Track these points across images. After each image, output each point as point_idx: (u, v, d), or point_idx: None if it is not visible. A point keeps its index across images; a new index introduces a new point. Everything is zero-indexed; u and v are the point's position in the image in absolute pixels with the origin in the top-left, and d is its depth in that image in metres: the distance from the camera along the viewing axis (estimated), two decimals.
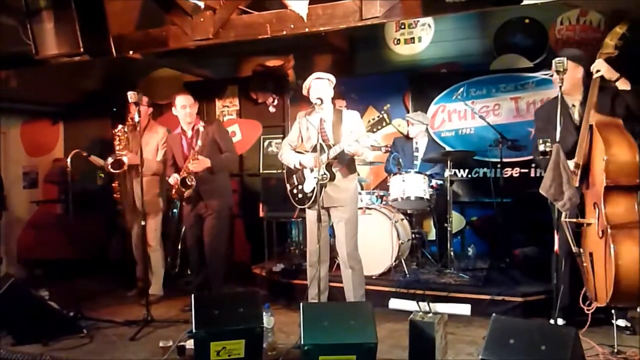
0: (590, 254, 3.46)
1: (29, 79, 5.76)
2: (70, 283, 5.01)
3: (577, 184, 3.48)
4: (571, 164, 3.50)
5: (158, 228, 5.27)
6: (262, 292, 5.03)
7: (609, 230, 3.25)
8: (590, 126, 3.52)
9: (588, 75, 3.69)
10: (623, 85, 3.56)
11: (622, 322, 3.75)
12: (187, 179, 4.60)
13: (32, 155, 7.28)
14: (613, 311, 3.51)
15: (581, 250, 3.50)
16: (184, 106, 4.70)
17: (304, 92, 4.21)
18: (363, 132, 3.96)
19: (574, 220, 3.52)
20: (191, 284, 5.04)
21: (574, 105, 3.83)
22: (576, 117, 3.81)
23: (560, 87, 3.36)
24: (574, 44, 5.61)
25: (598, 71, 3.57)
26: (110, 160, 4.88)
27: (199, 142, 4.60)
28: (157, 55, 5.56)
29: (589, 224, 3.50)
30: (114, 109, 6.64)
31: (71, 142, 7.09)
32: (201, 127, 4.65)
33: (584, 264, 3.48)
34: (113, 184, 5.18)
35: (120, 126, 5.11)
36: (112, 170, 4.91)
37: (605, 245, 3.27)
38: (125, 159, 4.90)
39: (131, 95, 4.34)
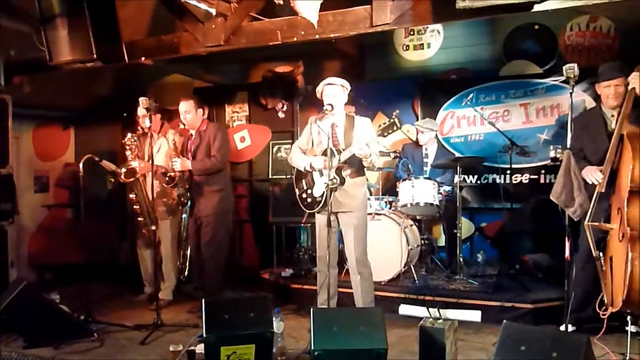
0: (611, 258, 3.45)
1: (41, 84, 5.80)
2: (81, 287, 5.03)
3: (603, 190, 3.48)
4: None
5: (170, 234, 5.30)
6: (272, 297, 5.03)
7: (628, 234, 3.25)
8: (621, 135, 3.52)
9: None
10: None
11: (634, 329, 3.72)
12: (168, 176, 4.80)
13: (44, 159, 7.32)
14: (628, 318, 3.49)
15: (600, 254, 3.49)
16: (186, 111, 4.85)
17: (317, 95, 4.24)
18: (374, 138, 3.98)
19: (596, 224, 3.52)
20: (197, 289, 5.08)
21: (612, 116, 3.84)
22: (613, 126, 3.82)
23: (571, 93, 3.37)
24: (584, 50, 5.61)
25: (633, 82, 3.58)
26: (123, 170, 4.94)
27: (195, 145, 4.82)
28: (168, 61, 5.60)
29: (609, 229, 3.49)
30: (125, 115, 6.68)
31: (82, 147, 7.14)
32: (194, 131, 4.84)
33: (603, 268, 3.47)
34: (131, 196, 5.15)
35: (129, 135, 5.15)
36: (125, 179, 4.96)
37: (625, 250, 3.27)
38: (137, 168, 4.95)
39: (142, 101, 4.39)
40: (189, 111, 4.86)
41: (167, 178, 4.84)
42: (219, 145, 4.85)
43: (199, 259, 4.96)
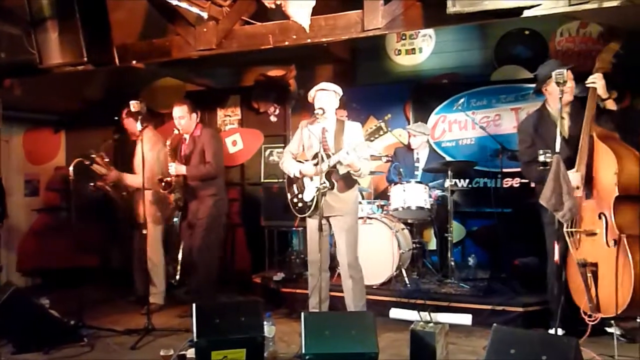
0: (594, 264, 3.46)
1: (32, 87, 5.78)
2: (71, 291, 5.00)
3: (582, 194, 3.50)
4: (572, 175, 3.52)
5: (160, 238, 5.28)
6: (263, 301, 5.02)
7: (624, 240, 3.27)
8: (591, 137, 3.55)
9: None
10: (611, 105, 3.65)
11: (618, 331, 3.75)
12: (164, 181, 4.81)
13: (34, 163, 7.28)
14: (613, 321, 3.52)
15: (588, 260, 3.51)
16: (180, 117, 4.86)
17: (309, 99, 4.24)
18: (364, 142, 3.98)
19: (580, 230, 3.53)
20: (187, 293, 5.10)
21: (563, 118, 3.85)
22: (565, 129, 3.84)
23: (561, 98, 3.40)
24: (574, 55, 5.64)
25: (594, 83, 3.62)
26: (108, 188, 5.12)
27: (188, 149, 4.86)
28: (159, 64, 5.60)
29: (591, 234, 3.51)
30: (116, 118, 6.66)
31: (73, 151, 7.11)
32: (188, 135, 4.89)
33: (589, 275, 3.49)
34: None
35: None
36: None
37: (618, 255, 3.28)
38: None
39: (133, 104, 4.37)
40: (182, 117, 4.86)
41: (163, 184, 4.83)
42: (214, 151, 4.84)
43: (191, 263, 4.96)
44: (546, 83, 3.91)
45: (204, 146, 4.85)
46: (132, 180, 5.07)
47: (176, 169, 4.77)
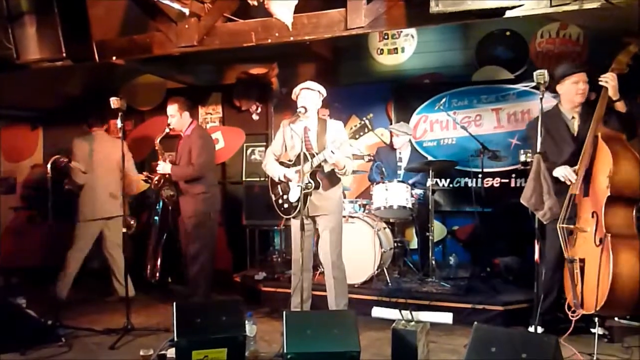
0: (582, 261, 3.50)
1: (8, 83, 5.67)
2: (48, 291, 4.93)
3: (577, 191, 3.54)
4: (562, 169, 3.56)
5: (118, 235, 5.29)
6: (244, 300, 5.00)
7: (608, 239, 3.32)
8: (595, 137, 3.57)
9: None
10: (621, 107, 3.66)
11: (600, 331, 3.80)
12: (154, 179, 4.93)
13: (10, 160, 7.17)
14: (596, 319, 3.56)
15: (575, 256, 3.55)
16: (171, 115, 4.91)
17: (293, 97, 4.23)
18: (347, 140, 3.99)
19: (572, 227, 3.57)
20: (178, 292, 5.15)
21: (573, 117, 3.89)
22: (575, 128, 3.87)
23: (541, 99, 3.43)
24: (554, 57, 5.71)
25: (606, 82, 3.62)
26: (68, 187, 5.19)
27: (180, 149, 4.90)
28: (140, 61, 5.53)
29: (583, 231, 3.55)
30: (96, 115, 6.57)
31: (51, 148, 6.99)
32: (185, 133, 4.94)
33: (576, 271, 3.53)
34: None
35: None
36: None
37: (602, 253, 3.33)
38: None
39: (113, 101, 4.30)
40: (173, 115, 4.90)
41: (148, 180, 4.98)
42: (198, 152, 4.84)
43: (185, 260, 5.04)
44: (560, 83, 3.93)
45: (191, 147, 4.87)
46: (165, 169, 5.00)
47: (163, 167, 4.86)
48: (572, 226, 3.58)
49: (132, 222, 5.13)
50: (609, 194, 3.38)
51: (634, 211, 3.48)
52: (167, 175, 4.93)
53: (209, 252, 5.01)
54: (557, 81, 3.99)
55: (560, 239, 3.56)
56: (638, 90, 4.56)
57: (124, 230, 4.58)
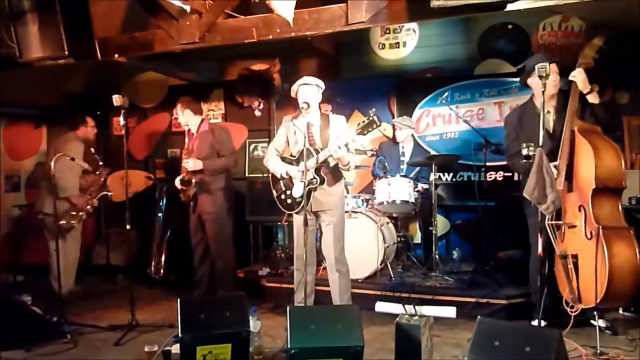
0: (575, 256, 3.51)
1: (11, 81, 5.68)
2: (53, 288, 4.96)
3: (561, 187, 3.54)
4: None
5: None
6: (248, 296, 5.02)
7: (600, 232, 3.32)
8: (572, 131, 3.58)
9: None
10: (593, 99, 3.68)
11: (602, 323, 3.80)
12: (184, 178, 4.87)
13: (15, 158, 7.19)
14: (595, 312, 3.57)
15: (567, 252, 3.55)
16: (174, 118, 5.11)
17: (292, 94, 4.22)
18: (351, 136, 3.97)
19: (560, 222, 3.57)
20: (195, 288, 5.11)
21: (549, 112, 3.89)
22: (550, 123, 3.87)
23: (543, 92, 3.42)
24: (556, 50, 5.69)
25: (574, 77, 3.67)
26: None
27: (196, 145, 4.90)
28: (142, 58, 5.54)
29: (572, 227, 3.55)
30: (98, 113, 6.58)
31: (54, 146, 7.00)
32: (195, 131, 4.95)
33: (569, 266, 3.53)
34: None
35: None
36: None
37: (597, 247, 3.33)
38: None
39: (116, 99, 4.31)
40: (176, 117, 5.05)
41: (181, 180, 4.90)
42: (225, 144, 4.97)
43: (202, 256, 5.03)
44: (530, 76, 3.93)
45: (214, 140, 4.91)
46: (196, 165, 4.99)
47: (194, 164, 4.82)
48: (560, 222, 3.59)
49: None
50: (594, 186, 3.40)
51: (620, 202, 3.51)
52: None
53: (231, 247, 5.10)
54: (526, 75, 3.99)
55: (550, 235, 3.56)
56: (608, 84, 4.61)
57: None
